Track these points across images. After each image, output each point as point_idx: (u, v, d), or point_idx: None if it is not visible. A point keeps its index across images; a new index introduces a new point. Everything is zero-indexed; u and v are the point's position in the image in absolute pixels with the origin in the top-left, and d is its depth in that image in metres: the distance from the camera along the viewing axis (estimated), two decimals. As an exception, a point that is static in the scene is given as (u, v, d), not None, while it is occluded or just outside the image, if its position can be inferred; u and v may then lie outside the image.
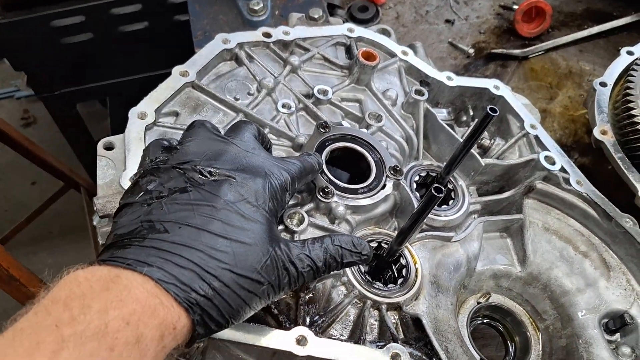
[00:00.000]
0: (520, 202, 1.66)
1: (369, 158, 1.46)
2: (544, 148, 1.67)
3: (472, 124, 1.74)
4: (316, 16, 2.39)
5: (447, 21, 2.72)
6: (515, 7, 2.65)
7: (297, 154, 1.45)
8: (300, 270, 1.03)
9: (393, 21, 2.70)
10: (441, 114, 1.84)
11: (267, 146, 1.27)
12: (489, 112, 1.31)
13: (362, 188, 1.41)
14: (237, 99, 1.53)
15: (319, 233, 1.34)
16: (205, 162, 1.00)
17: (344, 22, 1.88)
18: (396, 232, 1.50)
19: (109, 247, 0.90)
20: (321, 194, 1.35)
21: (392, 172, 1.45)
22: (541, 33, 2.61)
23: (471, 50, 2.58)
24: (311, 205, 1.36)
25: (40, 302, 0.75)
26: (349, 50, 1.78)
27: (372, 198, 1.41)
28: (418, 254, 1.47)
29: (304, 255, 1.04)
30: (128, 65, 3.15)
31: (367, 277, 1.37)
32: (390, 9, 2.74)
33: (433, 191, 1.14)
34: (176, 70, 1.50)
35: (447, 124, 1.83)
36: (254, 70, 1.59)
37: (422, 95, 1.63)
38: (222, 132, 1.21)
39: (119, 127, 1.41)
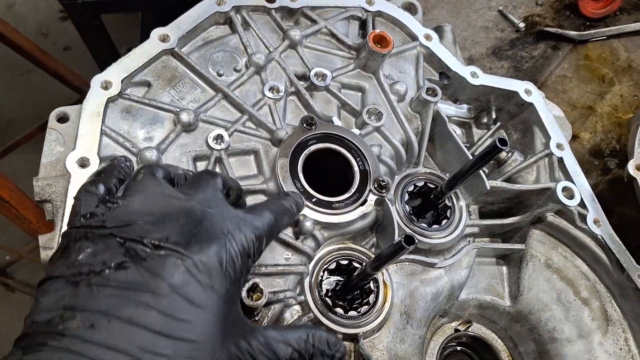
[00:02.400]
0: (526, 231, 1.47)
1: (354, 166, 1.29)
2: (567, 175, 1.45)
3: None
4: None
5: (503, -15, 2.39)
6: (584, -21, 2.30)
7: (277, 150, 1.29)
8: None
9: (441, -24, 2.39)
10: (461, 109, 1.62)
11: (236, 196, 1.05)
12: (498, 144, 1.11)
13: (339, 202, 1.25)
14: (220, 75, 1.35)
15: (279, 247, 1.21)
16: (150, 227, 0.81)
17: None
18: (373, 250, 1.36)
19: (23, 338, 0.73)
20: (289, 204, 1.20)
21: (376, 186, 1.27)
22: (607, 15, 2.27)
23: (522, 25, 2.27)
24: (277, 214, 1.22)
25: None
26: (363, 26, 1.55)
27: (347, 215, 1.24)
28: (392, 279, 1.32)
29: (267, 350, 0.85)
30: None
31: (328, 299, 1.24)
32: (441, -38, 2.42)
33: (403, 242, 0.99)
34: (155, 33, 1.32)
35: (465, 122, 1.64)
36: (247, 41, 1.40)
37: (435, 95, 1.41)
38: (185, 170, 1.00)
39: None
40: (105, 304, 0.72)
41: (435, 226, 1.38)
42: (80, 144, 1.16)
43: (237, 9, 1.41)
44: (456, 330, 1.50)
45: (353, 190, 1.27)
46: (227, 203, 0.93)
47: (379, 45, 1.40)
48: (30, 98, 4.67)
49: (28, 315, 0.76)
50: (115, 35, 3.57)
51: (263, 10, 1.45)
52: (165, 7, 2.92)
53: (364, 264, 1.25)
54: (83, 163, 1.13)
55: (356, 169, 1.28)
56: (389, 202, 1.29)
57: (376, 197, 1.27)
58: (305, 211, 1.21)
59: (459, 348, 1.56)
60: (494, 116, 1.59)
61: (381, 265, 1.11)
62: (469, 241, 1.45)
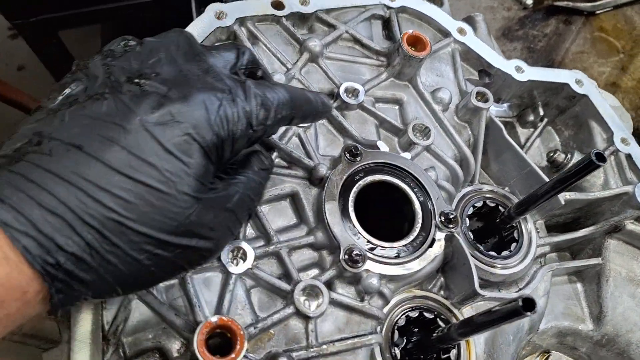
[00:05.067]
0: (600, 242, 1.28)
1: (414, 200, 1.07)
2: (638, 174, 1.27)
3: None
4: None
5: (500, -41, 2.19)
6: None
7: (317, 191, 1.06)
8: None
9: (433, -43, 2.17)
10: (501, 108, 1.42)
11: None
12: (594, 160, 0.91)
13: (404, 246, 1.03)
14: (234, 105, 1.11)
15: (342, 316, 0.98)
16: (145, 66, 0.75)
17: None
18: (442, 292, 1.14)
19: None
20: (348, 259, 0.97)
21: (444, 220, 1.06)
22: (616, -19, 2.10)
23: (529, 1, 2.08)
24: (332, 272, 0.99)
25: None
26: (387, 26, 1.32)
27: (417, 262, 1.02)
28: (470, 325, 1.11)
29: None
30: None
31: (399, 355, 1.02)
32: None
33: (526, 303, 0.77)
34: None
35: (507, 122, 1.44)
36: (259, 58, 1.15)
37: (486, 101, 1.20)
38: None
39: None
40: (69, 133, 0.67)
41: (504, 252, 1.18)
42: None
43: (242, 21, 1.17)
44: (533, 364, 1.31)
45: (417, 229, 1.05)
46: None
47: (414, 49, 1.18)
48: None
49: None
50: (72, 46, 3.25)
51: (272, 20, 1.20)
52: (127, 16, 2.64)
53: (445, 326, 1.03)
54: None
55: (416, 202, 1.06)
56: (459, 237, 1.08)
57: (445, 233, 1.06)
58: (369, 265, 0.98)
59: (537, 383, 1.37)
60: (541, 113, 1.39)
61: (477, 331, 0.91)
62: (540, 262, 1.25)
